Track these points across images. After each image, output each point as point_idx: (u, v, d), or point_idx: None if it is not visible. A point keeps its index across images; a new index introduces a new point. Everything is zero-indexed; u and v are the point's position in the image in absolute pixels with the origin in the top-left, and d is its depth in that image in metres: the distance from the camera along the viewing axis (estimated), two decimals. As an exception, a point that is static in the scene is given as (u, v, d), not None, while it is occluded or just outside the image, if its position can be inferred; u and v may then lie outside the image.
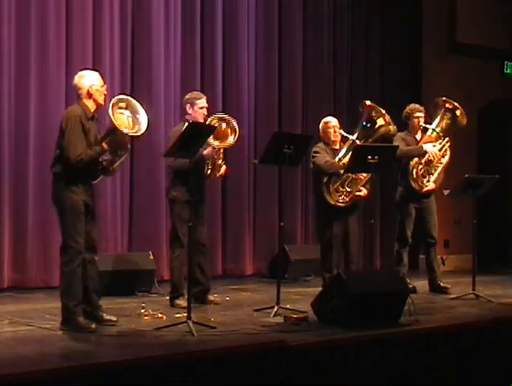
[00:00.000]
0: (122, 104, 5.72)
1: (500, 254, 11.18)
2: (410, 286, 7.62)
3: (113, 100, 5.69)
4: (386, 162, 7.01)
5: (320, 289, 6.64)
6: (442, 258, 8.55)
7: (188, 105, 7.06)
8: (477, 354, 5.65)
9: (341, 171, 7.45)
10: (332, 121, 7.73)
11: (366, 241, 10.14)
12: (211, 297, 7.16)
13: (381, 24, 10.69)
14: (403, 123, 8.17)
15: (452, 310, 7.04)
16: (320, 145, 7.69)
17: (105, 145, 5.74)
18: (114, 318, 5.95)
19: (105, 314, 5.94)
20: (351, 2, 10.47)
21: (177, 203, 6.97)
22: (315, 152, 7.60)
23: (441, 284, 8.11)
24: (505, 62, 11.68)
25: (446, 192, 8.05)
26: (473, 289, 7.71)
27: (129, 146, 5.87)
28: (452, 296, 7.76)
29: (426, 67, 10.98)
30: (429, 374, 5.42)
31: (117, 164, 5.90)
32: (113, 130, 5.72)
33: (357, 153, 7.05)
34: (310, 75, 10.08)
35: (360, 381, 5.10)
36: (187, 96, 7.18)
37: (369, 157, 6.82)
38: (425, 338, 5.73)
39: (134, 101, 5.79)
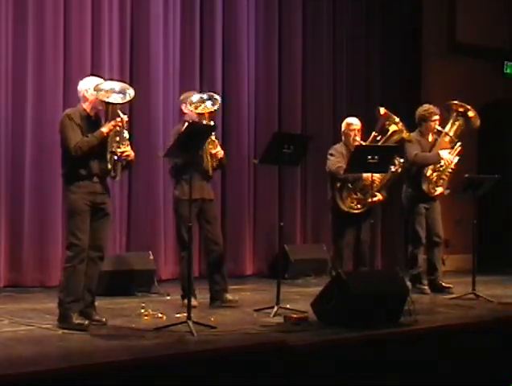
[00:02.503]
0: (106, 94, 5.74)
1: (500, 254, 11.16)
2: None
3: (95, 86, 5.75)
4: (386, 162, 6.99)
5: (320, 288, 6.63)
6: (442, 258, 8.54)
7: (184, 105, 6.97)
8: (477, 354, 5.64)
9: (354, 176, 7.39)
10: (355, 123, 7.62)
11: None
12: (229, 297, 6.95)
13: (382, 24, 10.69)
14: (415, 123, 8.08)
15: (452, 310, 7.04)
16: (338, 146, 7.65)
17: (103, 129, 5.75)
18: (103, 319, 5.93)
19: (94, 313, 5.93)
20: (351, 1, 10.47)
21: (178, 202, 6.92)
22: (331, 154, 7.58)
23: (442, 284, 8.11)
24: (505, 62, 11.69)
25: (446, 192, 8.06)
26: (473, 289, 7.71)
27: (121, 115, 5.78)
28: (452, 296, 7.76)
29: (426, 67, 10.97)
30: (429, 374, 5.42)
31: (124, 145, 5.84)
32: (107, 107, 5.76)
33: (357, 153, 7.04)
34: (310, 76, 10.07)
35: (360, 381, 5.09)
36: (181, 97, 7.15)
37: (369, 157, 6.82)
38: (425, 338, 5.73)
39: (108, 84, 5.83)
